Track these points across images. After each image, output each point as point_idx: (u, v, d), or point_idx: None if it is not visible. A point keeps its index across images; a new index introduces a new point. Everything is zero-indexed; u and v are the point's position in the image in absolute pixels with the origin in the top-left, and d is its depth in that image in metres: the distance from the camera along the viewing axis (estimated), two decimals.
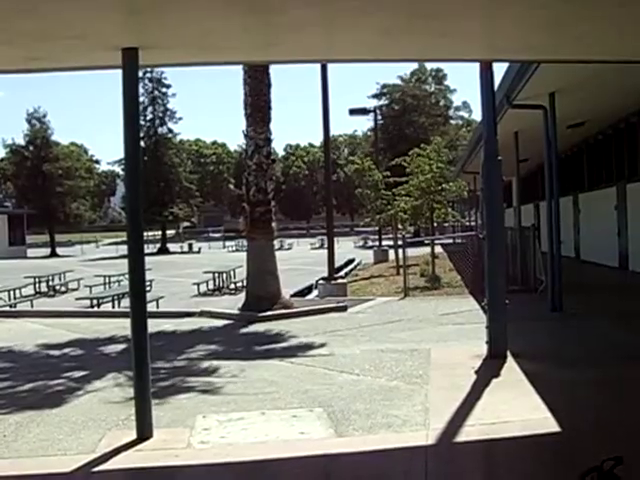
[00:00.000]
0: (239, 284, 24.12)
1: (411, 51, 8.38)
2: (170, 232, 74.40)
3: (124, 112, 6.68)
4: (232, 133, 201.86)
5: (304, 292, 22.95)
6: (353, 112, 43.12)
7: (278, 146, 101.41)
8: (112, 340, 13.89)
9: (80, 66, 8.18)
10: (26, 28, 6.26)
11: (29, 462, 6.59)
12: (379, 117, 58.19)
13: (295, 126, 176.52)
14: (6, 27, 6.19)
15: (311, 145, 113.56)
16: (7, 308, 21.01)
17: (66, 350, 13.13)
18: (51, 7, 5.85)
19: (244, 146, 18.38)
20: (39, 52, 7.11)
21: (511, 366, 9.64)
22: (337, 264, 25.07)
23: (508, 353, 10.09)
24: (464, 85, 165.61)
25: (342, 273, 26.95)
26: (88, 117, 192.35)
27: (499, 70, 22.15)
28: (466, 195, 31.84)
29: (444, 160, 27.25)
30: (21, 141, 76.05)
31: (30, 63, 7.64)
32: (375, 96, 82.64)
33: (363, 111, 47.61)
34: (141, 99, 59.42)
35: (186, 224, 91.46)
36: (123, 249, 51.98)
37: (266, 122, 17.48)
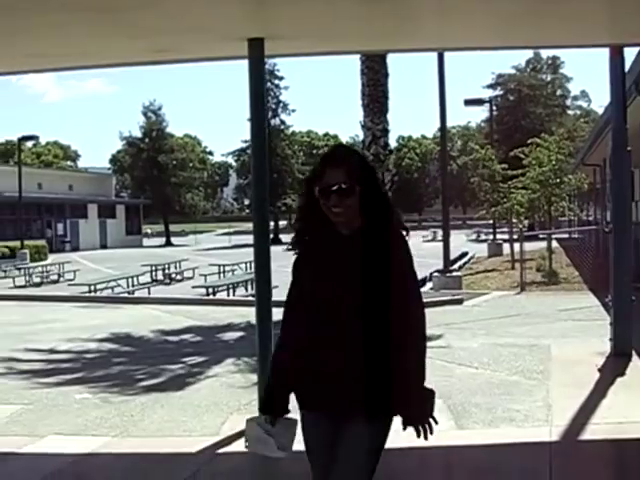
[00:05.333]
0: None
1: (534, 37, 8.15)
2: (282, 223, 75.18)
3: (250, 102, 6.77)
4: (344, 124, 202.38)
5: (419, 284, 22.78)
6: (468, 103, 42.40)
7: (391, 138, 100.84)
8: (229, 327, 14.18)
9: (205, 57, 8.34)
10: (154, 22, 6.41)
11: (156, 441, 6.81)
12: (494, 108, 57.25)
13: (407, 118, 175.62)
14: (135, 21, 6.35)
15: (423, 137, 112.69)
16: (126, 295, 21.71)
17: (184, 336, 13.48)
18: (181, 0, 5.99)
19: (358, 137, 18.41)
20: (166, 44, 7.27)
21: (637, 365, 9.35)
22: (451, 257, 24.80)
23: (633, 352, 9.79)
24: (582, 73, 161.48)
25: (456, 266, 26.65)
26: (201, 109, 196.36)
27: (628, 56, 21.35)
28: (586, 188, 30.97)
29: (565, 152, 26.56)
30: (137, 133, 78.22)
31: (157, 55, 7.82)
32: (490, 86, 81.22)
33: (478, 102, 46.86)
34: (249, 93, 60.25)
35: None
36: (236, 239, 53.13)
37: (383, 112, 17.45)
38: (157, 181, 75.55)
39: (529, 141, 27.36)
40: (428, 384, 3.35)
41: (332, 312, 3.26)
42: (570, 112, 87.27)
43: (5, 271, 32.39)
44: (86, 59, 7.78)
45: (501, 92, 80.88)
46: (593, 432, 6.61)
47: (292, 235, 3.50)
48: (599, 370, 9.17)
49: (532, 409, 7.43)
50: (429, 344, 10.91)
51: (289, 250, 3.48)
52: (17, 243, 42.44)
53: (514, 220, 28.85)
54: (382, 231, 3.31)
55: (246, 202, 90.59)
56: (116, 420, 7.60)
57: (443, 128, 24.56)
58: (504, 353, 10.46)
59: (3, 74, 9.50)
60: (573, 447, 6.35)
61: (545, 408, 7.44)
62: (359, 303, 3.23)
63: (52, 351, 12.05)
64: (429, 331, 11.80)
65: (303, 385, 3.38)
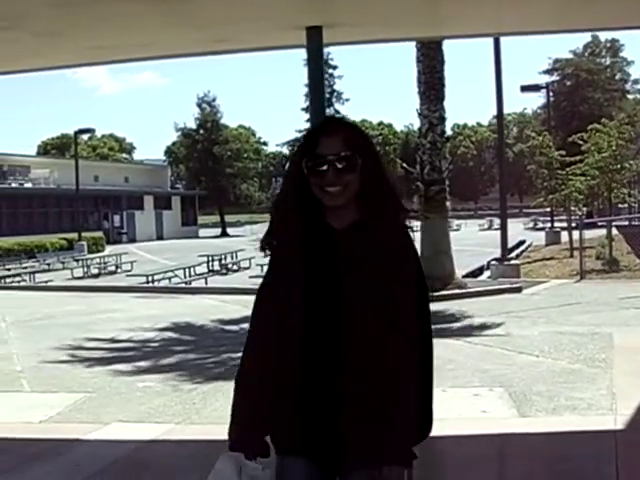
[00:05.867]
0: None
1: (592, 20, 8.02)
2: None
3: (310, 90, 6.81)
4: (398, 113, 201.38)
5: (475, 273, 22.70)
6: (525, 89, 41.89)
7: (446, 125, 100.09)
8: None
9: (264, 46, 8.38)
10: (216, 12, 6.45)
11: (219, 428, 6.84)
12: (551, 94, 56.43)
13: (462, 105, 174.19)
14: (198, 12, 6.40)
15: (479, 124, 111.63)
16: (183, 285, 21.95)
17: (244, 325, 13.53)
18: None
19: (412, 126, 18.37)
20: (225, 34, 7.32)
21: None
22: (508, 245, 24.59)
23: None
24: None
25: (513, 254, 26.40)
26: (255, 100, 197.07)
27: None
28: None
29: (625, 137, 26.05)
30: (192, 125, 78.80)
31: (215, 45, 7.89)
32: (547, 72, 79.90)
33: (535, 88, 46.29)
34: (307, 81, 60.29)
35: None
36: None
37: (440, 100, 17.34)
38: (212, 172, 76.10)
39: (589, 127, 26.91)
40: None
41: (316, 332, 2.53)
42: (630, 96, 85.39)
43: (63, 263, 32.95)
44: (145, 51, 7.87)
45: (558, 77, 79.52)
46: None
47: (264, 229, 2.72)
48: None
49: (595, 397, 7.32)
50: (488, 332, 10.88)
51: (262, 249, 2.72)
52: (75, 235, 43.09)
53: (572, 207, 28.46)
54: (383, 227, 2.56)
55: None
56: (178, 408, 7.69)
57: (500, 115, 24.32)
58: (565, 341, 10.33)
59: (63, 67, 9.66)
60: (639, 436, 6.25)
61: (609, 396, 7.33)
62: (349, 323, 2.50)
63: (113, 340, 12.25)
64: (488, 319, 11.79)
65: (280, 423, 2.59)
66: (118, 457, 6.17)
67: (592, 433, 6.28)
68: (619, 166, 25.74)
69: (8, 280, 25.90)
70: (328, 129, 2.62)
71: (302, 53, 7.36)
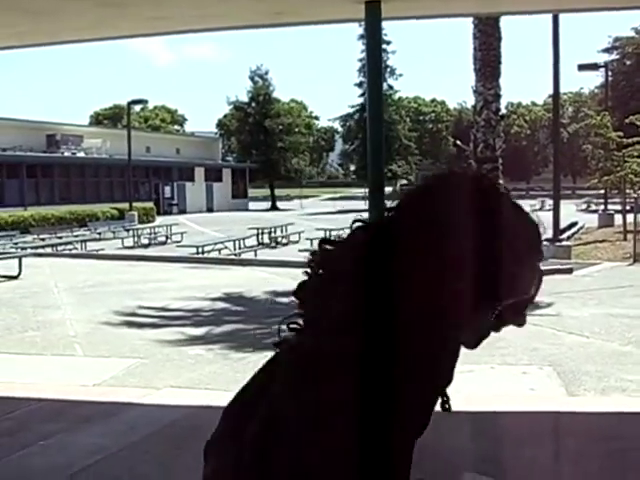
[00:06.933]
0: None
1: None
2: (387, 189, 75.01)
3: (368, 66, 6.77)
4: (451, 91, 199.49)
5: None
6: (582, 67, 41.09)
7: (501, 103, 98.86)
8: None
9: (321, 20, 8.36)
10: None
11: None
12: (609, 73, 55.39)
13: (516, 83, 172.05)
14: None
15: (533, 103, 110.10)
16: (233, 257, 22.11)
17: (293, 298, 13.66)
18: None
19: (465, 103, 18.27)
20: (285, 7, 7.32)
21: None
22: (560, 226, 24.33)
23: None
24: None
25: (565, 236, 26.11)
26: (307, 74, 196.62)
27: None
28: None
29: None
30: (244, 98, 78.90)
31: (274, 18, 7.89)
32: (606, 50, 78.35)
33: (593, 66, 45.34)
34: (362, 55, 59.95)
35: (403, 182, 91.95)
36: (341, 205, 53.17)
37: (495, 77, 17.19)
38: (263, 145, 76.22)
39: None
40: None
41: None
42: None
43: (114, 232, 33.31)
44: (205, 22, 7.91)
45: (618, 56, 77.95)
46: None
47: None
48: None
49: None
50: (538, 312, 10.77)
51: None
52: (126, 205, 43.54)
53: (627, 190, 28.02)
54: None
55: (351, 168, 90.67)
56: (229, 376, 7.81)
57: (556, 94, 24.01)
58: (616, 323, 10.26)
59: (123, 38, 9.74)
60: None
61: None
62: None
63: (165, 309, 12.45)
64: (538, 299, 11.56)
65: None
66: (171, 421, 6.29)
67: None
68: None
69: (60, 248, 26.32)
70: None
71: (357, 28, 7.35)
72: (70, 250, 25.94)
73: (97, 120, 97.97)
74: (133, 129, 53.92)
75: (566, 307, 11.78)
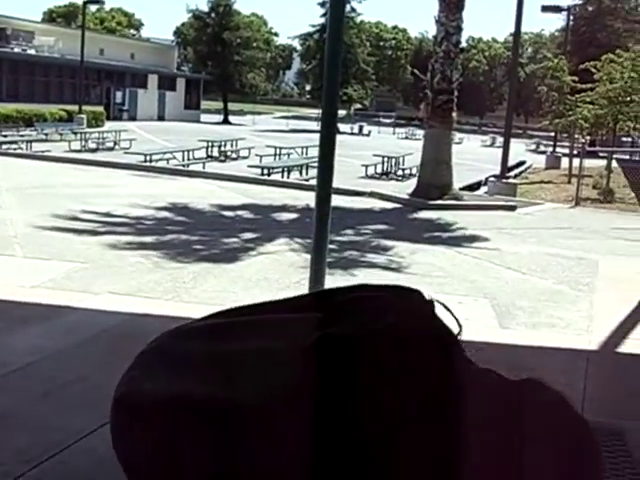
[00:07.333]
0: (407, 171, 24.15)
1: None
2: (341, 112, 74.52)
3: None
4: (414, 19, 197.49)
5: (473, 187, 22.83)
6: (545, 9, 41.01)
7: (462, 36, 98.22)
8: (284, 208, 14.36)
9: None
10: None
11: (206, 308, 7.02)
12: (571, 17, 55.28)
13: (479, 19, 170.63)
14: None
15: (494, 40, 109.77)
16: (181, 167, 21.97)
17: (239, 212, 13.71)
18: None
19: (427, 33, 18.16)
20: None
21: None
22: (508, 165, 24.62)
23: None
24: None
25: (512, 174, 26.46)
26: None
27: None
28: None
29: (639, 70, 25.76)
30: (204, 7, 77.15)
31: None
32: None
33: (556, 9, 45.22)
34: None
35: (358, 106, 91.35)
36: (294, 124, 53.00)
37: (459, 9, 17.09)
38: (220, 58, 74.90)
39: (604, 56, 26.58)
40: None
41: None
42: None
43: (61, 134, 32.67)
44: None
45: (581, 1, 77.81)
46: (634, 347, 6.70)
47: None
48: None
49: (574, 318, 7.52)
50: (479, 245, 11.03)
51: None
52: (75, 108, 42.56)
53: (576, 135, 28.36)
54: None
55: (307, 88, 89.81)
56: (169, 285, 7.86)
57: (517, 33, 23.84)
58: (552, 262, 10.50)
59: None
60: (610, 358, 6.46)
61: (587, 319, 7.54)
62: None
63: (109, 215, 12.35)
64: (480, 233, 11.89)
65: None
66: (109, 326, 6.28)
67: (566, 351, 6.48)
68: (628, 99, 25.56)
69: (4, 147, 25.78)
70: None
71: None
72: (15, 150, 25.43)
73: (50, 17, 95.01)
74: (87, 30, 52.45)
75: (506, 243, 12.00)
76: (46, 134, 31.82)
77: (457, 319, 1.61)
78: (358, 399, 1.41)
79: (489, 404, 1.29)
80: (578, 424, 1.34)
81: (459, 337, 1.51)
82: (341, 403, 1.41)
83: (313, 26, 75.37)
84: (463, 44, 19.67)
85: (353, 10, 74.71)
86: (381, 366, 1.45)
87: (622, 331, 7.15)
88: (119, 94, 59.41)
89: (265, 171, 21.05)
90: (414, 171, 21.57)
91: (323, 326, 1.56)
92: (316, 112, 55.31)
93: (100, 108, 49.26)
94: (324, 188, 6.25)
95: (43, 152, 24.55)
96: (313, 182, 6.08)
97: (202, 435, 1.52)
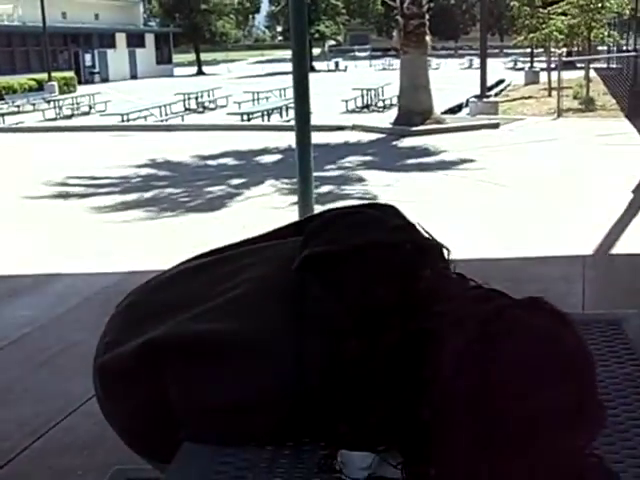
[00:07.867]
0: (387, 102, 23.97)
1: None
2: (316, 51, 73.72)
3: None
4: None
5: (454, 110, 22.72)
6: None
7: None
8: (266, 151, 14.28)
9: None
10: None
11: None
12: None
13: None
14: None
15: None
16: (159, 123, 21.75)
17: (222, 160, 13.60)
18: None
19: None
20: None
21: None
22: (488, 84, 24.46)
23: None
24: None
25: (492, 92, 26.30)
26: None
27: None
28: (627, 15, 29.83)
29: None
30: None
31: None
32: None
33: None
34: None
35: (332, 42, 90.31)
36: (269, 67, 52.27)
37: None
38: (186, 8, 73.80)
39: None
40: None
41: None
42: None
43: (34, 104, 32.08)
44: None
45: None
46: (624, 247, 6.86)
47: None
48: (632, 192, 9.25)
49: (568, 228, 7.57)
50: (466, 166, 10.97)
51: None
52: (44, 76, 41.65)
53: (552, 48, 28.14)
54: None
55: (278, 29, 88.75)
56: (155, 240, 7.78)
57: None
58: (541, 175, 10.51)
59: None
60: (604, 260, 6.63)
61: (581, 227, 7.57)
62: None
63: (93, 177, 12.21)
64: (466, 153, 11.80)
65: None
66: (100, 288, 6.13)
67: (563, 258, 6.54)
68: (600, 5, 25.34)
69: None
70: None
71: None
72: None
73: None
74: None
75: (493, 160, 12.00)
76: (18, 106, 31.32)
77: (440, 243, 1.53)
78: (343, 314, 1.35)
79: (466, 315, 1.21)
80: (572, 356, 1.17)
81: (447, 255, 1.44)
82: (328, 323, 1.37)
83: None
84: None
85: None
86: (365, 277, 1.39)
87: (614, 234, 7.30)
88: (88, 57, 58.53)
89: (245, 117, 20.87)
90: (394, 101, 21.37)
91: (304, 246, 1.51)
92: (290, 53, 54.60)
93: (70, 73, 48.52)
94: (303, 128, 6.17)
95: (17, 124, 24.21)
96: (294, 122, 5.99)
97: (189, 371, 1.47)
